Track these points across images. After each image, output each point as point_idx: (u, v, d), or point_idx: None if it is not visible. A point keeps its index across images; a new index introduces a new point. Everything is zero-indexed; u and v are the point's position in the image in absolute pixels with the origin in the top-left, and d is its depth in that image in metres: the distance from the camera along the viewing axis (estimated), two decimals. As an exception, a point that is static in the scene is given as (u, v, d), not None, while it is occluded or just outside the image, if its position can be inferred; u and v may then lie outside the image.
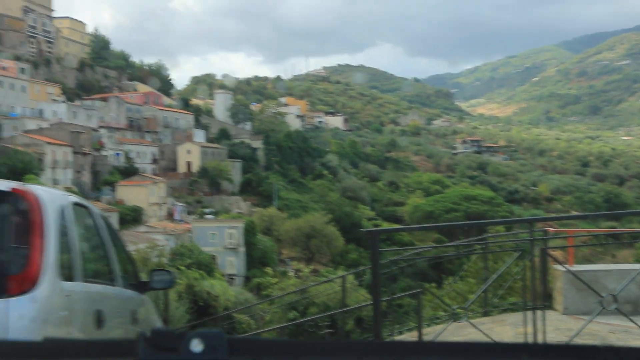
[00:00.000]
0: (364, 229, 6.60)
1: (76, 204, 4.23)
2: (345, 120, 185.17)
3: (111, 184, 79.06)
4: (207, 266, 52.71)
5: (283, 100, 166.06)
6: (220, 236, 69.04)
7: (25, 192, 3.54)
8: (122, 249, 5.36)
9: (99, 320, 4.07)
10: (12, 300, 3.17)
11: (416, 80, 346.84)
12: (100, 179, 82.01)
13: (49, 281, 3.35)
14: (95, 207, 4.83)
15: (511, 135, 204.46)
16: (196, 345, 1.01)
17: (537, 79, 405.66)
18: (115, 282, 4.81)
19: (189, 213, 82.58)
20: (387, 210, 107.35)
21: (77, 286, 3.82)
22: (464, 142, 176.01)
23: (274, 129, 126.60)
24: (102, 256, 4.74)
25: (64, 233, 3.71)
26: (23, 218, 3.44)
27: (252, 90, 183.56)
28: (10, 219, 3.44)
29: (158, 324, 6.44)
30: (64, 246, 3.69)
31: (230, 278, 59.90)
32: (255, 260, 68.61)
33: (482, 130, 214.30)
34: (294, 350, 1.07)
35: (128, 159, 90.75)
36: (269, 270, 62.17)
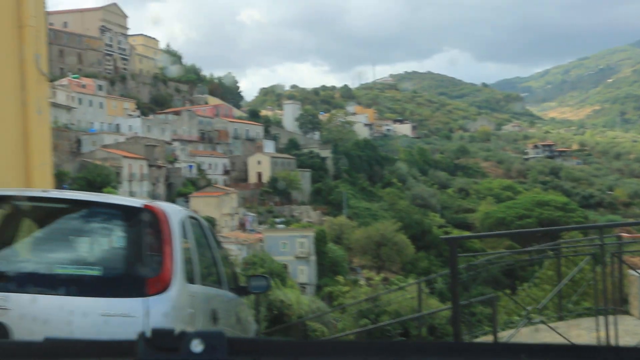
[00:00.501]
0: (443, 237, 6.77)
1: (191, 217, 4.70)
2: (414, 128, 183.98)
3: (185, 196, 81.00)
4: (280, 275, 53.39)
5: (351, 109, 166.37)
6: (292, 245, 69.72)
7: (154, 207, 4.02)
8: (225, 256, 5.81)
9: (215, 318, 4.53)
10: (151, 299, 3.64)
11: (485, 85, 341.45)
12: (174, 191, 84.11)
13: (178, 283, 3.80)
14: (203, 219, 5.25)
15: (585, 139, 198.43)
16: (196, 346, 1.01)
17: (611, 80, 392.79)
18: (222, 286, 5.26)
19: (260, 223, 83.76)
20: (457, 217, 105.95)
21: (198, 288, 4.28)
22: (536, 147, 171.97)
23: (343, 138, 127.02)
24: (211, 262, 5.18)
25: (185, 242, 4.17)
26: (154, 230, 3.89)
27: (320, 100, 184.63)
28: (144, 231, 3.90)
29: (254, 325, 6.85)
30: (187, 252, 4.14)
31: (302, 287, 60.39)
32: (326, 269, 68.96)
33: (554, 134, 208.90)
34: (294, 350, 1.07)
35: (200, 170, 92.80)
36: (340, 278, 62.47)
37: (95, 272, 3.82)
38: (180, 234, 4.09)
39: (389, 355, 1.09)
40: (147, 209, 3.98)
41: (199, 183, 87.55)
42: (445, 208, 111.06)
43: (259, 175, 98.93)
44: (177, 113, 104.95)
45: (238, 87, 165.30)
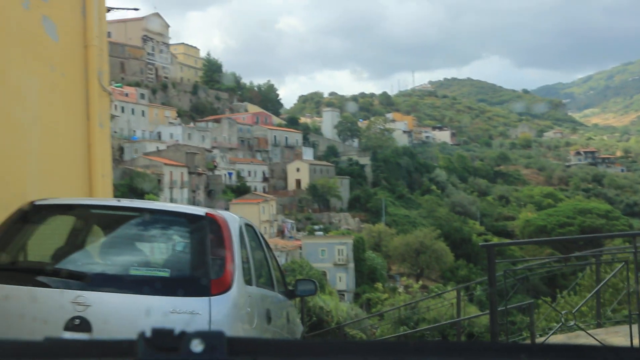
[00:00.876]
0: (482, 243, 7.03)
1: (247, 224, 5.05)
2: (453, 135, 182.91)
3: (225, 202, 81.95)
4: (318, 282, 53.74)
5: (390, 116, 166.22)
6: (330, 252, 69.97)
7: (216, 215, 4.38)
8: (275, 261, 6.18)
9: (268, 317, 4.89)
10: (214, 298, 3.97)
11: (525, 91, 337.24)
12: (214, 198, 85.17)
13: (237, 285, 4.14)
14: (256, 226, 5.66)
15: (629, 146, 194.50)
16: (196, 346, 1.02)
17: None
18: (274, 288, 5.63)
19: (299, 230, 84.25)
20: (497, 225, 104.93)
21: (254, 289, 4.64)
22: (578, 153, 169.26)
23: (382, 145, 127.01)
24: (264, 266, 5.56)
25: (243, 247, 4.52)
26: (216, 236, 4.24)
27: (359, 107, 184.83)
28: (207, 237, 4.25)
29: (300, 327, 7.23)
30: (244, 257, 4.51)
31: (341, 294, 60.54)
32: (365, 276, 69.04)
33: (597, 141, 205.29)
34: (294, 350, 1.08)
35: (240, 177, 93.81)
36: (378, 286, 62.47)
37: (164, 273, 4.21)
38: (238, 239, 4.44)
39: (389, 355, 1.10)
40: (209, 216, 4.34)
41: (238, 190, 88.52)
42: (485, 216, 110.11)
43: (298, 182, 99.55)
44: (217, 121, 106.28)
45: (277, 95, 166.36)
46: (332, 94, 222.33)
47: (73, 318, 3.80)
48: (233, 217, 4.68)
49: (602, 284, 7.62)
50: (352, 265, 69.53)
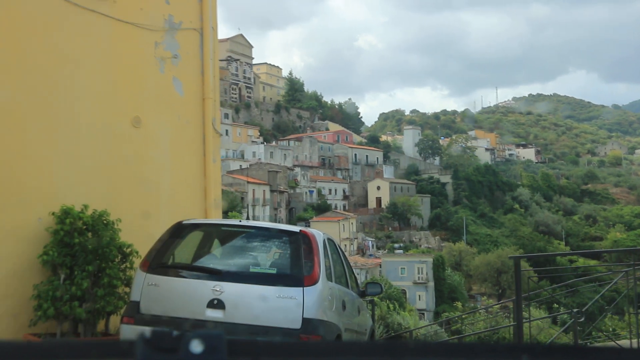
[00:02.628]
0: (511, 255, 8.44)
1: (329, 238, 6.86)
2: (538, 152, 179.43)
3: (305, 220, 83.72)
4: (398, 300, 54.49)
5: (472, 133, 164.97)
6: (410, 271, 70.57)
7: (307, 231, 6.24)
8: (349, 267, 7.89)
9: (344, 306, 6.54)
10: (306, 288, 5.66)
11: (616, 107, 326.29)
12: (295, 215, 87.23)
13: (322, 280, 5.84)
14: (336, 240, 7.40)
15: None
16: (196, 346, 1.02)
17: None
18: (348, 287, 7.29)
19: (379, 248, 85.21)
20: (584, 245, 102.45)
21: (333, 285, 6.33)
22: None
23: (463, 163, 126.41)
24: (341, 270, 7.24)
25: (325, 254, 6.25)
26: (307, 246, 6.00)
27: (441, 125, 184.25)
28: (301, 246, 6.01)
29: (370, 321, 8.81)
30: (327, 261, 6.19)
31: (420, 313, 61.01)
32: (444, 295, 69.23)
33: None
34: (294, 351, 1.10)
35: (321, 195, 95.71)
36: (458, 305, 62.49)
37: (272, 271, 6.06)
38: (323, 249, 6.18)
39: (389, 356, 1.11)
40: (302, 232, 6.21)
41: (319, 208, 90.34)
42: (570, 235, 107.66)
43: (378, 200, 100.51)
44: (298, 139, 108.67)
45: (358, 113, 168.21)
46: (413, 111, 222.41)
47: (213, 299, 5.60)
48: (319, 233, 6.54)
49: None
50: (431, 284, 69.87)
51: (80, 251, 6.89)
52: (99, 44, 7.98)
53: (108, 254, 7.03)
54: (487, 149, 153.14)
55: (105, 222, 7.15)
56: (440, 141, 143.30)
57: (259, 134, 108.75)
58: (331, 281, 6.24)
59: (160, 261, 5.97)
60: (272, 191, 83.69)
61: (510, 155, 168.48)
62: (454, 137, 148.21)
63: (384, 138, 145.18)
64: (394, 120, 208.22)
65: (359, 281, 8.53)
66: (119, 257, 7.25)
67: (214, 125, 8.83)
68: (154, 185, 8.25)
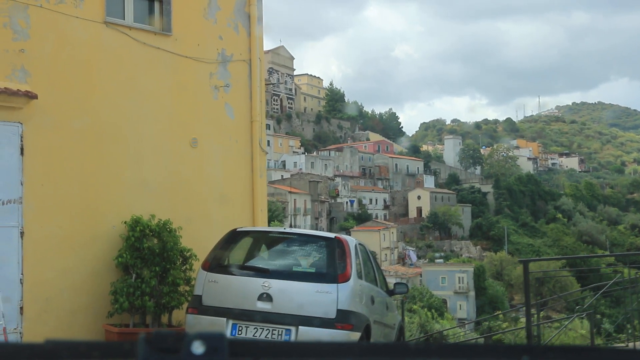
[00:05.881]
0: (521, 259, 9.49)
1: (360, 244, 7.95)
2: (581, 161, 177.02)
3: (346, 230, 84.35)
4: (438, 309, 54.94)
5: (514, 142, 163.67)
6: (451, 280, 70.65)
7: (341, 238, 7.37)
8: (378, 268, 8.99)
9: (372, 301, 7.59)
10: (340, 285, 6.74)
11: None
12: (336, 225, 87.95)
13: (354, 278, 6.92)
14: (366, 245, 8.45)
15: None
16: (197, 347, 1.03)
17: None
18: (377, 285, 8.34)
19: (419, 257, 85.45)
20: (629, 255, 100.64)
21: (364, 282, 7.40)
22: None
23: (505, 173, 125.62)
24: (371, 270, 8.29)
25: (357, 256, 7.34)
26: (341, 249, 7.08)
27: (482, 134, 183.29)
28: (336, 250, 7.08)
29: (399, 317, 9.86)
30: (357, 262, 7.26)
31: (461, 322, 61.13)
32: (486, 305, 69.17)
33: None
34: (294, 352, 1.10)
35: (361, 205, 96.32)
36: (500, 315, 62.28)
37: (312, 270, 7.19)
38: (355, 252, 7.29)
39: (389, 356, 1.11)
40: (337, 238, 7.35)
41: (360, 217, 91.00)
42: (615, 245, 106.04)
43: (419, 210, 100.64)
44: (339, 149, 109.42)
45: (399, 123, 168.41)
46: (454, 120, 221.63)
47: (262, 293, 6.73)
48: (351, 239, 7.77)
49: None
50: (472, 293, 69.87)
51: (149, 254, 8.15)
52: (161, 75, 9.29)
53: (172, 257, 8.29)
54: (529, 158, 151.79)
55: (169, 229, 8.42)
56: (482, 150, 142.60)
57: (300, 144, 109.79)
58: (362, 279, 7.30)
59: (219, 262, 7.18)
60: (313, 201, 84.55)
61: (553, 164, 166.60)
62: (495, 146, 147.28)
63: (424, 148, 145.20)
64: (435, 129, 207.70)
65: (385, 276, 9.60)
66: (181, 260, 8.50)
67: (260, 144, 10.08)
68: (209, 198, 9.57)
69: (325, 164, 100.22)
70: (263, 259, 7.73)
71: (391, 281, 10.92)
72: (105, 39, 8.74)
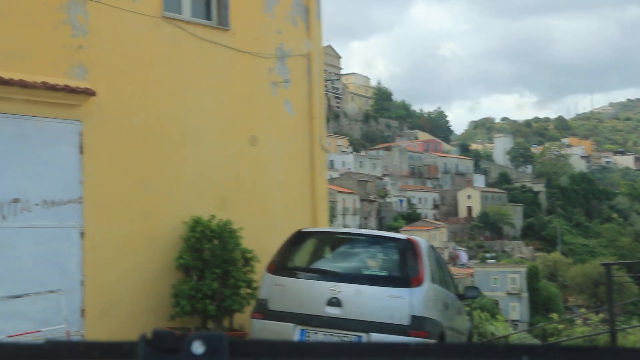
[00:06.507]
0: (603, 262, 8.90)
1: (431, 246, 7.54)
2: (637, 160, 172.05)
3: (395, 229, 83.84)
4: (490, 310, 53.90)
5: (566, 141, 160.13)
6: (503, 281, 69.38)
7: (413, 239, 6.97)
8: (448, 271, 8.57)
9: (445, 307, 7.16)
10: (413, 289, 6.36)
11: None
12: (385, 224, 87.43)
13: (427, 282, 6.53)
14: (436, 247, 8.06)
15: None
16: (197, 347, 1.02)
17: None
18: (448, 289, 7.89)
19: (470, 257, 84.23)
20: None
21: (437, 286, 7.00)
22: None
23: (557, 172, 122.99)
24: (442, 274, 7.85)
25: (429, 259, 6.91)
26: (413, 252, 6.70)
27: (533, 132, 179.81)
28: (408, 252, 6.71)
29: (469, 323, 9.40)
30: (430, 265, 6.84)
31: (514, 324, 59.97)
32: (539, 306, 67.66)
33: None
34: (295, 352, 1.10)
35: (411, 204, 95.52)
36: (554, 316, 60.88)
37: (383, 273, 6.82)
38: (427, 254, 6.85)
39: (389, 356, 1.12)
40: (409, 240, 6.95)
41: (409, 217, 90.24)
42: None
43: (469, 209, 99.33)
44: (387, 149, 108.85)
45: (447, 122, 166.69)
46: (504, 119, 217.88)
47: (331, 298, 6.37)
48: (423, 240, 7.38)
49: None
50: (525, 294, 68.48)
51: (210, 256, 7.88)
52: (220, 71, 9.04)
53: (233, 258, 7.99)
54: (582, 157, 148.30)
55: (229, 230, 8.12)
56: (532, 149, 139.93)
57: (348, 143, 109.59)
58: (435, 283, 6.90)
59: (284, 264, 6.85)
60: (361, 200, 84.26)
61: (607, 163, 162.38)
62: (546, 144, 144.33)
63: (473, 146, 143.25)
64: (484, 128, 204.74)
65: (455, 280, 9.14)
66: (242, 262, 8.20)
67: (320, 142, 9.73)
68: (270, 197, 9.28)
69: (374, 163, 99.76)
70: (330, 262, 7.38)
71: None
72: (162, 34, 8.54)
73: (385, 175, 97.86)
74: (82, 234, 7.60)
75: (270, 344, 1.12)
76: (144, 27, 8.32)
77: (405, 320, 6.14)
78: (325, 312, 6.31)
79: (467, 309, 14.27)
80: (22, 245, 7.22)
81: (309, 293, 6.50)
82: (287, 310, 6.47)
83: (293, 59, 9.70)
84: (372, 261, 7.12)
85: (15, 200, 7.16)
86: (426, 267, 6.58)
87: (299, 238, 7.14)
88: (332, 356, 1.10)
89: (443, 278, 7.82)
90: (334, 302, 6.31)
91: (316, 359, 1.10)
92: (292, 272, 6.83)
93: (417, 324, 6.12)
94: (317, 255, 7.39)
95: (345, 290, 6.37)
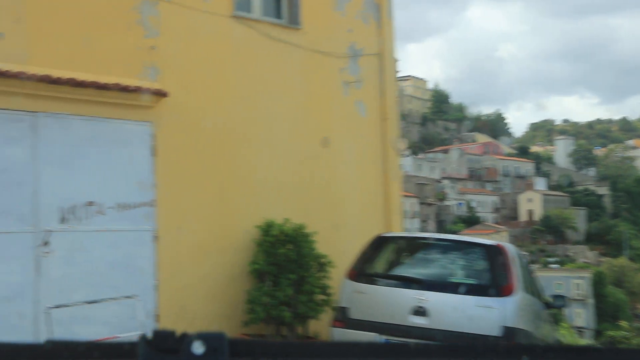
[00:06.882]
0: None
1: (518, 251, 7.15)
2: None
3: (455, 233, 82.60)
4: (554, 316, 52.43)
5: (630, 142, 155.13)
6: (566, 286, 67.56)
7: (502, 245, 6.54)
8: (535, 279, 8.07)
9: (537, 318, 6.80)
10: (505, 299, 5.99)
11: None
12: (444, 228, 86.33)
13: (519, 291, 6.15)
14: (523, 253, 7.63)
15: None
16: (198, 348, 1.03)
17: None
18: (537, 298, 7.45)
19: (532, 262, 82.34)
20: None
21: (527, 295, 6.61)
22: None
23: (622, 174, 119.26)
24: (529, 280, 7.43)
25: (518, 266, 6.52)
26: (503, 258, 6.31)
27: (595, 134, 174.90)
28: (498, 259, 6.32)
29: (554, 333, 8.89)
30: (520, 273, 6.46)
31: (579, 331, 58.27)
32: (606, 313, 65.52)
33: None
34: (295, 352, 1.10)
35: (470, 208, 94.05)
36: (623, 324, 58.88)
37: (472, 281, 6.41)
38: (516, 261, 6.47)
39: (390, 356, 1.11)
40: (498, 246, 6.50)
41: (469, 220, 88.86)
42: None
43: (530, 213, 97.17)
44: (445, 151, 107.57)
45: (506, 124, 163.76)
46: (565, 121, 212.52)
47: (416, 307, 6.04)
48: (512, 246, 6.94)
49: None
50: (591, 300, 66.45)
51: (285, 261, 7.63)
52: (291, 71, 8.83)
53: (307, 263, 7.73)
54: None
55: (303, 234, 7.86)
56: (595, 151, 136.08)
57: (406, 146, 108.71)
58: (526, 292, 6.51)
59: (365, 271, 6.54)
60: (420, 203, 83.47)
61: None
62: (610, 146, 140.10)
63: (534, 149, 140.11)
64: (544, 130, 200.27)
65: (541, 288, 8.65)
66: (316, 267, 7.93)
67: (393, 144, 9.41)
68: (342, 200, 8.99)
69: (432, 166, 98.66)
70: (413, 268, 7.00)
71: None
72: (233, 33, 8.37)
73: (443, 178, 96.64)
74: (155, 238, 7.48)
75: (270, 344, 1.13)
76: (214, 27, 8.17)
77: (495, 332, 5.74)
78: (410, 321, 5.98)
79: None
80: (96, 249, 7.14)
81: (393, 301, 6.19)
82: (369, 319, 6.17)
83: (364, 58, 9.40)
84: (458, 268, 6.75)
85: (90, 204, 7.08)
86: (516, 274, 6.21)
87: (379, 243, 6.84)
88: (332, 356, 1.10)
89: (531, 285, 7.40)
90: (420, 311, 6.00)
91: (316, 359, 1.09)
92: (373, 279, 6.54)
93: (510, 335, 5.71)
94: (398, 261, 7.08)
95: (431, 298, 6.04)
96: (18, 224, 6.68)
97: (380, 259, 6.83)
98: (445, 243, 7.07)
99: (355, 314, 6.26)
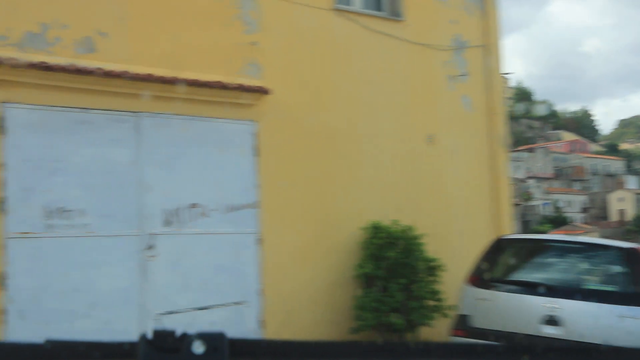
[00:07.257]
0: None
1: None
2: None
3: (542, 233, 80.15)
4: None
5: None
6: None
7: (638, 248, 5.97)
8: None
9: None
10: None
11: None
12: (529, 228, 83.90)
13: None
14: None
15: None
16: (198, 347, 1.03)
17: None
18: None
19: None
20: None
21: None
22: None
23: None
24: None
25: None
26: None
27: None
28: (638, 264, 5.73)
29: None
30: None
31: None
32: None
33: None
34: (296, 352, 1.09)
35: (557, 208, 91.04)
36: None
37: (610, 288, 5.79)
38: None
39: (390, 356, 1.11)
40: (636, 249, 5.95)
41: (556, 221, 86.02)
42: None
43: (621, 212, 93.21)
44: (530, 150, 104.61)
45: (593, 121, 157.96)
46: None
47: (548, 316, 5.52)
48: None
49: None
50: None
51: (394, 264, 7.22)
52: (394, 65, 8.42)
53: (417, 267, 7.29)
54: None
55: (412, 236, 7.43)
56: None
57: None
58: None
59: (487, 276, 6.05)
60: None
61: None
62: None
63: (623, 146, 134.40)
64: (634, 126, 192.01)
65: None
66: (426, 271, 7.47)
67: (501, 140, 8.85)
68: (450, 200, 8.49)
69: (517, 166, 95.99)
70: (540, 273, 6.44)
71: None
72: (334, 27, 8.04)
73: (528, 177, 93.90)
74: (259, 241, 7.23)
75: (271, 344, 1.12)
76: (315, 21, 7.86)
77: None
78: (540, 331, 5.46)
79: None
80: (200, 253, 6.94)
81: (521, 309, 5.69)
82: (494, 328, 5.70)
83: (469, 50, 8.90)
84: (593, 273, 6.18)
85: (193, 206, 6.89)
86: None
87: (499, 246, 6.34)
88: (332, 356, 1.10)
89: None
90: (552, 321, 5.48)
91: (316, 358, 1.09)
92: (496, 285, 6.04)
93: None
94: (522, 266, 6.54)
95: (566, 307, 5.50)
96: (123, 227, 6.55)
97: (503, 264, 6.33)
98: (574, 246, 6.46)
99: (478, 322, 5.81)
